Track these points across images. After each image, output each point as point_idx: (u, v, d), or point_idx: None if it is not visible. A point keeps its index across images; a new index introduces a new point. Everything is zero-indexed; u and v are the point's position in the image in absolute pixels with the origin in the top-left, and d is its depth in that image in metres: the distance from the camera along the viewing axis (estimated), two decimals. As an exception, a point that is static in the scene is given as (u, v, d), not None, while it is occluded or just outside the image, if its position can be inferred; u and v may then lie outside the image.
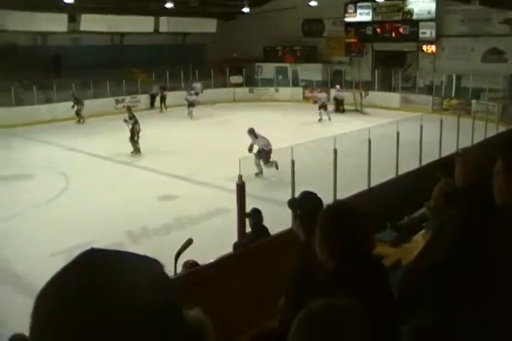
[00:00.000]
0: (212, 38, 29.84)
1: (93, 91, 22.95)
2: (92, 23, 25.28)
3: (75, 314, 0.63)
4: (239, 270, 4.95)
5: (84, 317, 0.63)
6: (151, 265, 0.72)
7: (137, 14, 25.86)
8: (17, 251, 8.13)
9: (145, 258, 0.72)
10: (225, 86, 28.01)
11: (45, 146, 16.74)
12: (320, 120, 20.54)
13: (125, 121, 15.62)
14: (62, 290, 0.66)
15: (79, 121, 20.99)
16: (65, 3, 22.44)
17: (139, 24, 26.86)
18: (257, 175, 12.46)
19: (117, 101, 23.40)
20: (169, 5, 24.02)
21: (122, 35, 27.80)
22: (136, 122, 15.48)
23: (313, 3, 24.77)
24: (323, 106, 20.75)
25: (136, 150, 15.24)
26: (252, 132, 12.97)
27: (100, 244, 7.41)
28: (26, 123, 19.79)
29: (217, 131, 17.97)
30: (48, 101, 21.72)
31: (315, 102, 21.39)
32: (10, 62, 21.07)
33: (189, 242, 2.44)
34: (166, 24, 28.36)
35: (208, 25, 30.10)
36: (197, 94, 24.07)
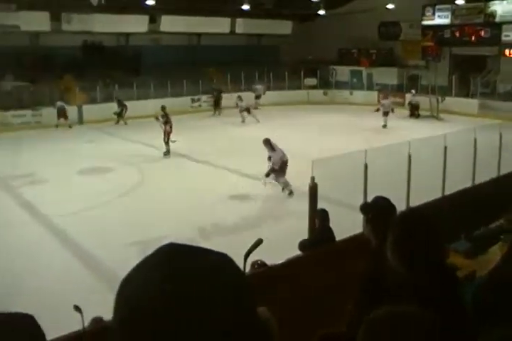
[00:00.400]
0: (287, 40, 29.94)
1: (170, 90, 23.65)
2: (171, 23, 26.18)
3: (156, 304, 0.66)
4: (307, 272, 4.98)
5: (165, 308, 0.66)
6: (228, 261, 0.75)
7: (214, 15, 26.46)
8: (99, 238, 8.54)
9: (222, 255, 0.75)
10: (299, 88, 28.02)
11: (126, 142, 17.55)
12: (384, 126, 19.90)
13: (157, 119, 15.32)
14: (145, 281, 0.69)
15: (117, 122, 21.17)
16: (146, 5, 23.43)
17: (216, 25, 27.51)
18: (283, 190, 11.24)
19: (193, 101, 24.00)
20: (245, 7, 24.40)
21: (199, 35, 28.55)
22: (167, 122, 15.11)
23: (390, 6, 24.34)
24: (386, 113, 20.09)
25: (167, 152, 15.11)
26: (267, 143, 11.37)
27: (173, 238, 7.69)
28: (110, 119, 20.89)
29: (292, 132, 17.98)
30: (129, 98, 22.59)
31: (377, 110, 20.60)
32: (97, 62, 22.27)
33: (259, 242, 2.52)
34: (242, 25, 28.85)
35: (283, 27, 30.27)
36: (258, 96, 24.01)
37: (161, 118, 15.24)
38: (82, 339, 2.17)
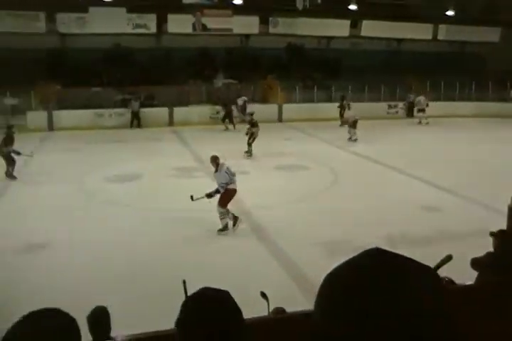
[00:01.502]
0: (495, 48, 27.97)
1: (368, 94, 23.70)
2: (371, 28, 26.25)
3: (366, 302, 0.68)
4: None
5: (372, 307, 0.68)
6: (429, 273, 0.75)
7: (416, 21, 25.82)
8: (287, 237, 8.70)
9: (424, 266, 0.75)
10: (504, 100, 25.92)
11: (321, 142, 18.03)
12: None
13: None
14: (357, 280, 0.71)
15: (226, 128, 20.96)
16: (349, 9, 23.80)
17: (417, 31, 26.88)
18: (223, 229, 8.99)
19: (390, 107, 23.73)
20: (450, 12, 23.35)
21: (400, 41, 28.09)
22: (254, 125, 15.55)
23: None
24: None
25: (249, 152, 15.41)
26: (214, 160, 9.10)
27: (359, 243, 7.69)
28: (307, 119, 21.67)
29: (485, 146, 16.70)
30: (328, 100, 23.08)
31: None
32: (298, 64, 23.26)
33: (448, 258, 2.36)
34: (444, 32, 27.74)
35: (491, 34, 28.34)
36: (421, 110, 22.53)
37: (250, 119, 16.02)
38: (267, 325, 2.25)
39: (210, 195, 8.89)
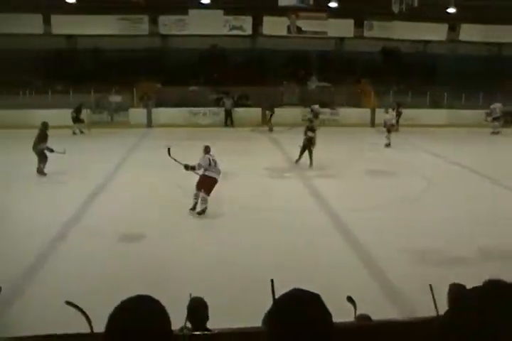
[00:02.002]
0: None
1: (464, 101, 22.97)
2: (470, 32, 25.41)
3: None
4: None
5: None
6: None
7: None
8: (376, 242, 8.53)
9: None
10: None
11: (413, 149, 17.71)
12: None
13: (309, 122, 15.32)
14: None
15: (271, 130, 20.87)
16: (447, 12, 23.13)
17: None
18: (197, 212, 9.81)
19: (487, 114, 22.80)
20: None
21: (500, 45, 26.93)
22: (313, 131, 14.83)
23: None
24: None
25: (298, 160, 14.63)
26: (205, 149, 10.13)
27: (451, 254, 7.61)
28: (401, 124, 21.22)
29: None
30: (422, 106, 22.58)
31: None
32: (393, 68, 22.95)
33: None
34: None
35: None
36: (496, 118, 21.30)
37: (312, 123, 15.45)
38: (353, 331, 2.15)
39: (187, 166, 9.90)
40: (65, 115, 20.04)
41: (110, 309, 1.29)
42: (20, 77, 22.62)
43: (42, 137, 13.06)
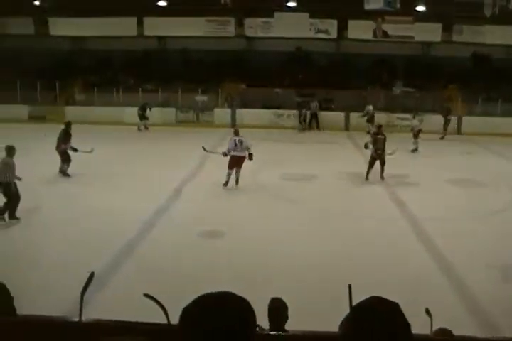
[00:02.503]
0: None
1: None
2: None
3: None
4: None
5: None
6: None
7: None
8: (458, 255, 8.31)
9: None
10: None
11: (501, 159, 17.12)
12: None
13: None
14: None
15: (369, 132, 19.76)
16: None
17: None
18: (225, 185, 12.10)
19: None
20: None
21: None
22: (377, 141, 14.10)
23: None
24: None
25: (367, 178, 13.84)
26: (235, 132, 12.52)
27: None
28: (489, 133, 20.66)
29: None
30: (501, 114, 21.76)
31: None
32: (484, 74, 22.21)
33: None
34: None
35: None
36: None
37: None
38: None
39: (224, 153, 12.00)
40: (153, 113, 21.10)
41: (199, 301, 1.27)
42: (115, 76, 23.91)
43: (66, 137, 12.82)
